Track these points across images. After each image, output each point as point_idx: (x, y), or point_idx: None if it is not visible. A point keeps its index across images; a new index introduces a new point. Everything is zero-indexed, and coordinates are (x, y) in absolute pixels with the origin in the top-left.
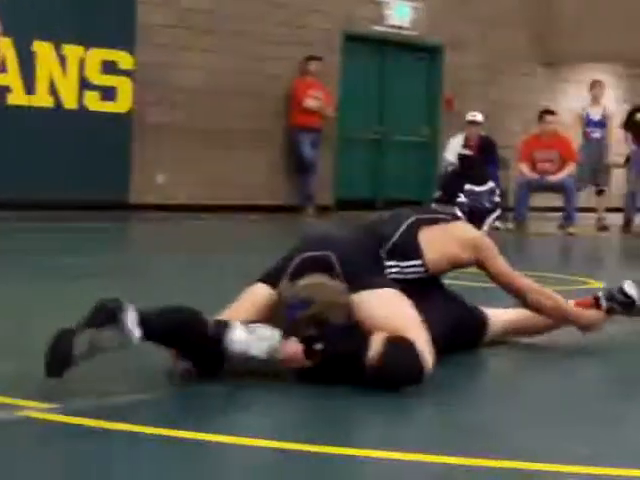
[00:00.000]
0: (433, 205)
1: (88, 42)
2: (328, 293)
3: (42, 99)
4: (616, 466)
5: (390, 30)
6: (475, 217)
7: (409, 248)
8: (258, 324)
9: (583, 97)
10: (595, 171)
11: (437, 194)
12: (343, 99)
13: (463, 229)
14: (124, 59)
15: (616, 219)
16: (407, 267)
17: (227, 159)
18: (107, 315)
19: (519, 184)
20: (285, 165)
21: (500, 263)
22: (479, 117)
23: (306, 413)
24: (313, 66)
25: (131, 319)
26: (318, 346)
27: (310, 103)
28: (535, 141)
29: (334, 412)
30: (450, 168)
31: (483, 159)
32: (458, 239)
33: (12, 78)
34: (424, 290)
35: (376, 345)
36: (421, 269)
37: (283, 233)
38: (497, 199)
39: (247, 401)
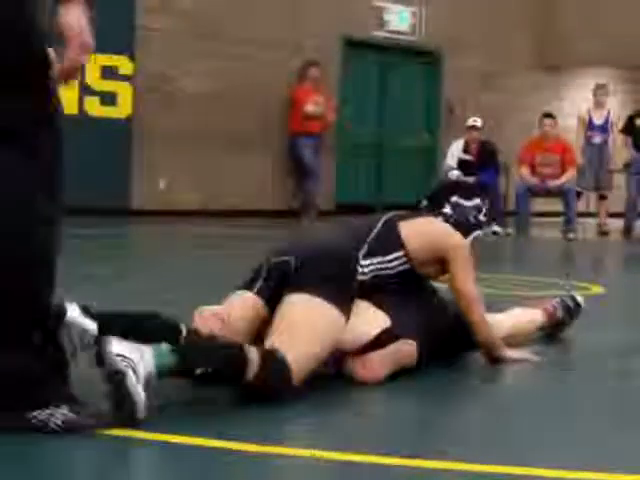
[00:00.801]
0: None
1: None
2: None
3: None
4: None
5: (390, 35)
6: (458, 231)
7: (390, 241)
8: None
9: (586, 101)
10: (597, 176)
11: (423, 202)
12: (343, 104)
13: (446, 225)
14: (124, 64)
15: (616, 224)
16: (390, 261)
17: (228, 164)
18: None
19: (519, 189)
20: (286, 170)
21: (466, 272)
22: (479, 122)
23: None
24: (312, 71)
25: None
26: (198, 371)
27: (310, 109)
28: (535, 145)
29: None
30: (450, 173)
31: (483, 164)
32: (440, 232)
33: None
34: (409, 292)
35: (252, 365)
36: (404, 259)
37: (284, 239)
38: (483, 218)
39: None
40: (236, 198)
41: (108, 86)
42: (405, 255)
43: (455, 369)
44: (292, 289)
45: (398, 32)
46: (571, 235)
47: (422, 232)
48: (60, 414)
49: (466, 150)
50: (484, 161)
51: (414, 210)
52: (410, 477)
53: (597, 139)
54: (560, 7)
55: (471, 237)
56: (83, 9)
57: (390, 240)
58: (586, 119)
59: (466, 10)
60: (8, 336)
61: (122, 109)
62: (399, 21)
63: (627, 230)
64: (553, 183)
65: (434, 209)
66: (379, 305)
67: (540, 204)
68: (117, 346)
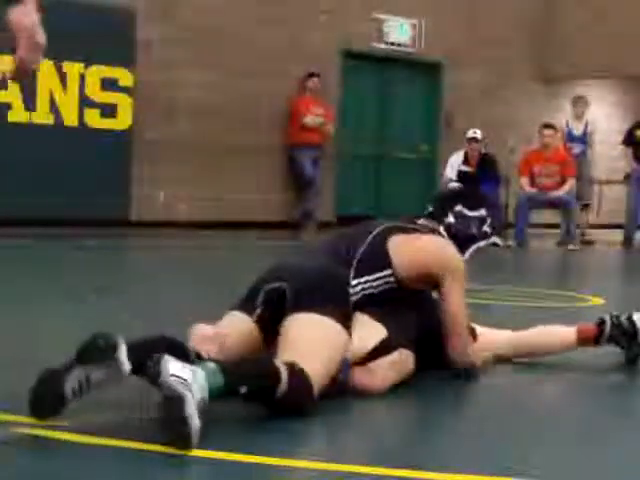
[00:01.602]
0: (422, 220)
1: (88, 59)
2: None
3: (42, 116)
4: None
5: (390, 47)
6: (459, 241)
7: (377, 258)
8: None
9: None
10: (578, 186)
11: (429, 209)
12: (343, 116)
13: (440, 244)
14: (124, 76)
15: (613, 235)
16: (377, 279)
17: (228, 175)
18: (100, 352)
19: (519, 200)
20: (286, 181)
21: (459, 295)
22: (479, 134)
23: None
24: (312, 83)
25: (124, 355)
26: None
27: (309, 120)
28: (535, 156)
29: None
30: (450, 185)
31: (483, 176)
32: (431, 252)
33: (12, 95)
34: (401, 300)
35: (282, 381)
36: (391, 279)
37: (285, 252)
38: (487, 229)
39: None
40: (236, 210)
41: (108, 98)
42: (392, 274)
43: (454, 376)
44: (292, 311)
45: (398, 44)
46: (571, 246)
47: (414, 250)
48: None
49: (466, 162)
50: (484, 173)
51: (414, 218)
52: None
53: (576, 150)
54: (560, 20)
55: (471, 249)
56: (34, 8)
57: (378, 257)
58: (565, 131)
59: (466, 22)
60: None
61: (122, 121)
62: (399, 33)
63: (627, 241)
64: (553, 194)
65: (436, 218)
66: (374, 317)
67: (539, 216)
68: (174, 365)
